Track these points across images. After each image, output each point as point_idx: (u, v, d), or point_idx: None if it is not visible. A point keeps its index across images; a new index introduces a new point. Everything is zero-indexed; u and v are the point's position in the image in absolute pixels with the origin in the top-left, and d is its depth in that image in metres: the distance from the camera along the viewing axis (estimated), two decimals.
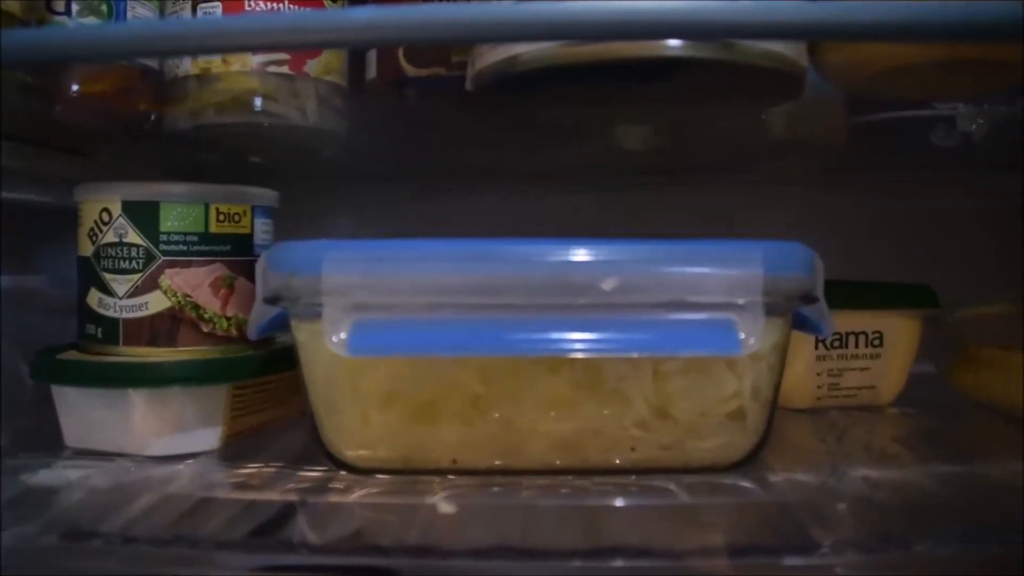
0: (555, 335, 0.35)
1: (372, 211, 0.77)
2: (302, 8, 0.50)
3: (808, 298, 0.39)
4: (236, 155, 0.64)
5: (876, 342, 0.55)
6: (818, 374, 0.55)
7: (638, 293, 0.35)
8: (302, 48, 0.49)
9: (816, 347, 0.54)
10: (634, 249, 0.36)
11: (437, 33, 0.33)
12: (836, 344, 0.54)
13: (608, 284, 0.35)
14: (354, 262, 0.37)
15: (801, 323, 0.41)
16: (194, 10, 0.50)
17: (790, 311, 0.39)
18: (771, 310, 0.37)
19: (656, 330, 0.35)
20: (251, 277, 0.49)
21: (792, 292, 0.38)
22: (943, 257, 0.72)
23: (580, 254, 0.35)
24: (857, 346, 0.55)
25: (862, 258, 0.70)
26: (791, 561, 0.35)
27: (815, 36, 0.38)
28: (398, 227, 0.77)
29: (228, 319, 0.50)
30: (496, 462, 0.40)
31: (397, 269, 0.36)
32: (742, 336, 0.35)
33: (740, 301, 0.36)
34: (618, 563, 0.34)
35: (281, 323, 0.41)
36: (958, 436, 0.51)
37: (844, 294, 0.54)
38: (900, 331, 0.55)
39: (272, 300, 0.39)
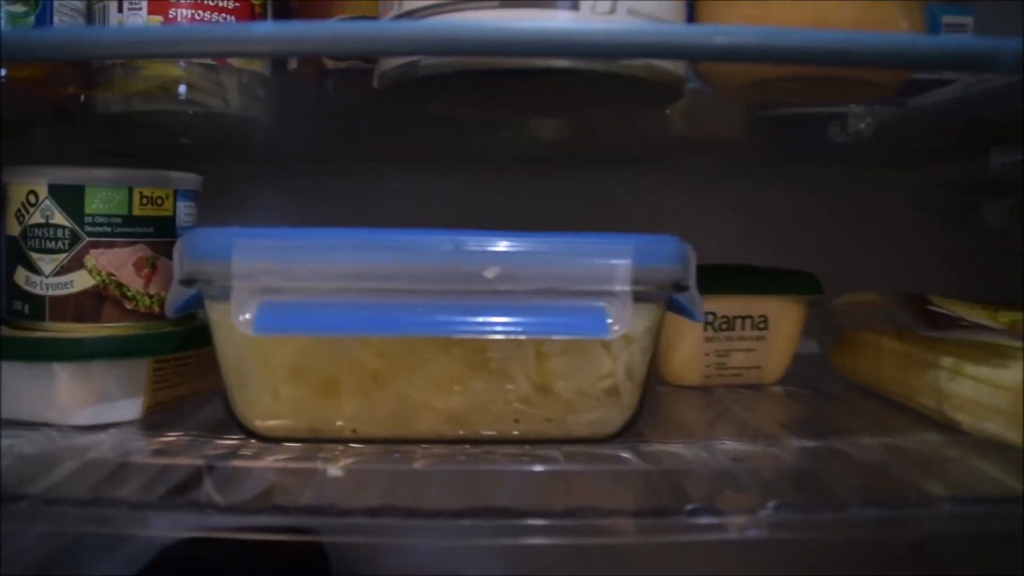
0: (443, 317, 0.40)
1: (297, 191, 0.81)
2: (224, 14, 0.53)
3: (679, 287, 0.44)
4: (166, 137, 0.67)
5: (762, 325, 0.60)
6: (706, 354, 0.60)
7: (519, 281, 0.40)
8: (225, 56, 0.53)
9: (705, 329, 0.59)
10: (516, 241, 0.40)
11: (344, 47, 0.38)
12: (724, 327, 0.60)
13: (490, 272, 0.40)
14: (262, 249, 0.41)
15: (676, 308, 0.46)
16: (120, 4, 0.53)
17: (662, 298, 0.44)
18: (641, 297, 0.42)
19: (533, 314, 0.40)
20: (173, 258, 0.52)
21: (663, 281, 0.43)
22: (837, 245, 0.79)
23: (467, 244, 0.40)
24: (744, 329, 0.60)
25: (760, 245, 0.76)
26: (650, 521, 0.40)
27: (678, 56, 0.42)
28: (321, 206, 0.81)
29: (150, 297, 0.54)
30: (393, 432, 0.45)
31: (301, 256, 0.41)
32: (610, 321, 0.40)
33: (611, 289, 0.40)
34: (502, 522, 0.39)
35: (196, 303, 0.45)
36: (830, 414, 0.57)
37: (732, 280, 0.60)
38: (784, 316, 0.61)
39: (187, 282, 0.44)
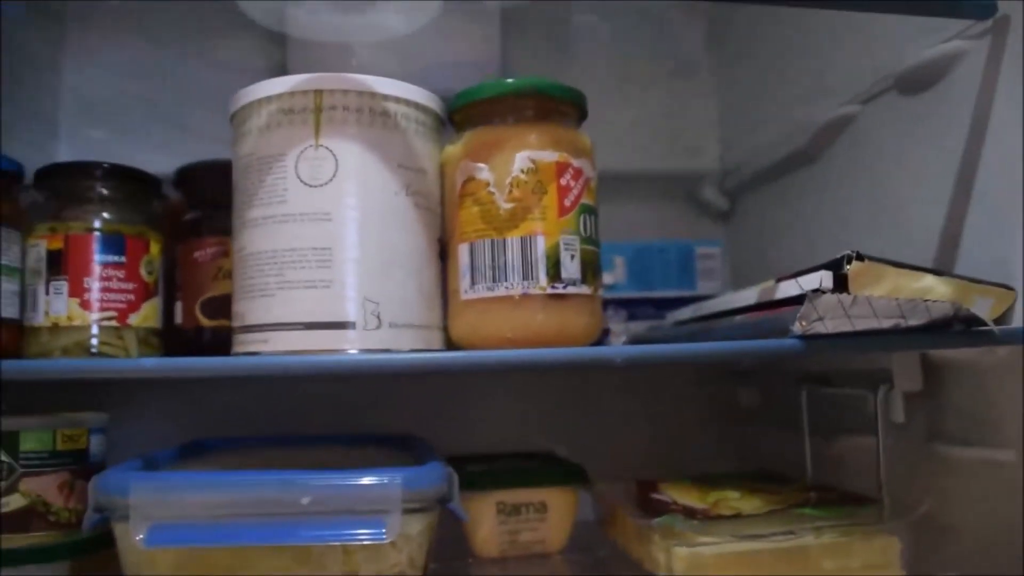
0: (275, 532, 0.63)
1: (185, 401, 1.04)
2: (126, 293, 0.77)
3: (443, 500, 0.68)
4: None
5: (541, 509, 0.84)
6: (500, 533, 0.84)
7: (325, 504, 0.64)
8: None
9: (497, 514, 0.83)
10: (322, 476, 0.64)
11: (198, 373, 0.62)
12: (512, 512, 0.84)
13: (305, 500, 0.63)
14: (149, 489, 0.64)
15: (449, 511, 0.69)
16: (47, 286, 0.77)
17: (431, 509, 0.68)
18: (412, 511, 0.65)
19: (335, 527, 0.63)
20: (87, 479, 0.75)
21: (429, 498, 0.66)
22: (637, 421, 1.05)
23: (289, 481, 0.64)
24: (528, 512, 0.84)
25: (573, 428, 1.02)
26: None
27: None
28: (204, 411, 1.04)
29: (69, 510, 0.76)
30: None
31: (177, 493, 0.64)
32: (385, 530, 0.63)
33: (387, 508, 0.64)
34: None
35: (106, 520, 0.68)
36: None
37: (517, 476, 0.85)
38: (559, 500, 0.85)
39: (98, 509, 0.66)
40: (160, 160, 0.90)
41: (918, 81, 0.80)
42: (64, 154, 1.06)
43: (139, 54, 1.06)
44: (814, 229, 0.97)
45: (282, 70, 1.00)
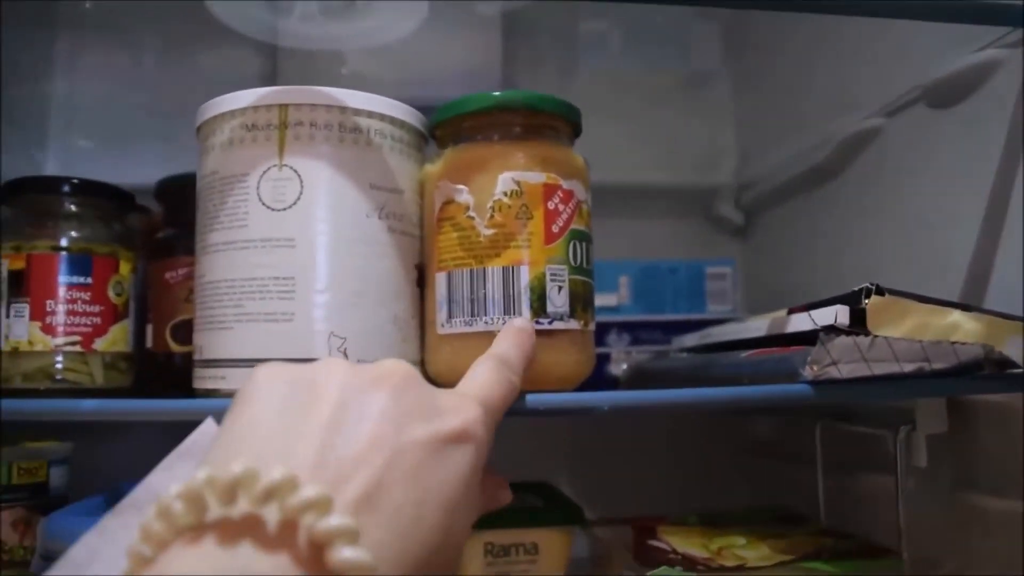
0: None
1: (172, 428, 0.98)
2: (92, 316, 0.72)
3: None
4: None
5: (532, 551, 0.78)
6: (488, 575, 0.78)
7: None
8: None
9: (485, 556, 0.77)
10: None
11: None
12: (501, 553, 0.77)
13: None
14: None
15: None
16: (8, 309, 0.72)
17: None
18: None
19: None
20: (47, 513, 0.69)
21: None
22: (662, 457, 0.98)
23: None
24: (517, 554, 0.78)
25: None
26: None
27: None
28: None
29: (24, 548, 0.70)
30: None
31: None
32: None
33: None
34: None
35: None
36: None
37: (508, 515, 0.78)
38: (551, 541, 0.78)
39: (45, 557, 0.61)
40: (149, 172, 0.85)
41: (949, 93, 0.73)
42: (52, 165, 1.01)
43: (130, 63, 1.00)
44: (834, 249, 0.90)
45: (273, 80, 0.94)
